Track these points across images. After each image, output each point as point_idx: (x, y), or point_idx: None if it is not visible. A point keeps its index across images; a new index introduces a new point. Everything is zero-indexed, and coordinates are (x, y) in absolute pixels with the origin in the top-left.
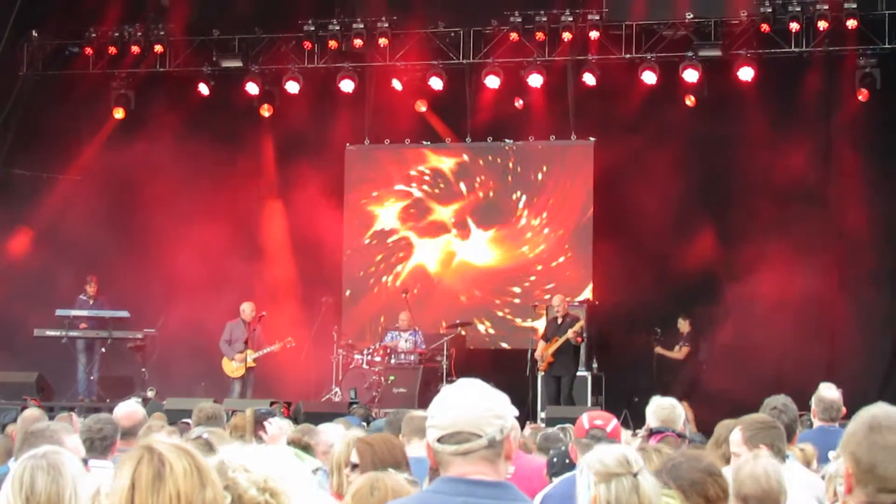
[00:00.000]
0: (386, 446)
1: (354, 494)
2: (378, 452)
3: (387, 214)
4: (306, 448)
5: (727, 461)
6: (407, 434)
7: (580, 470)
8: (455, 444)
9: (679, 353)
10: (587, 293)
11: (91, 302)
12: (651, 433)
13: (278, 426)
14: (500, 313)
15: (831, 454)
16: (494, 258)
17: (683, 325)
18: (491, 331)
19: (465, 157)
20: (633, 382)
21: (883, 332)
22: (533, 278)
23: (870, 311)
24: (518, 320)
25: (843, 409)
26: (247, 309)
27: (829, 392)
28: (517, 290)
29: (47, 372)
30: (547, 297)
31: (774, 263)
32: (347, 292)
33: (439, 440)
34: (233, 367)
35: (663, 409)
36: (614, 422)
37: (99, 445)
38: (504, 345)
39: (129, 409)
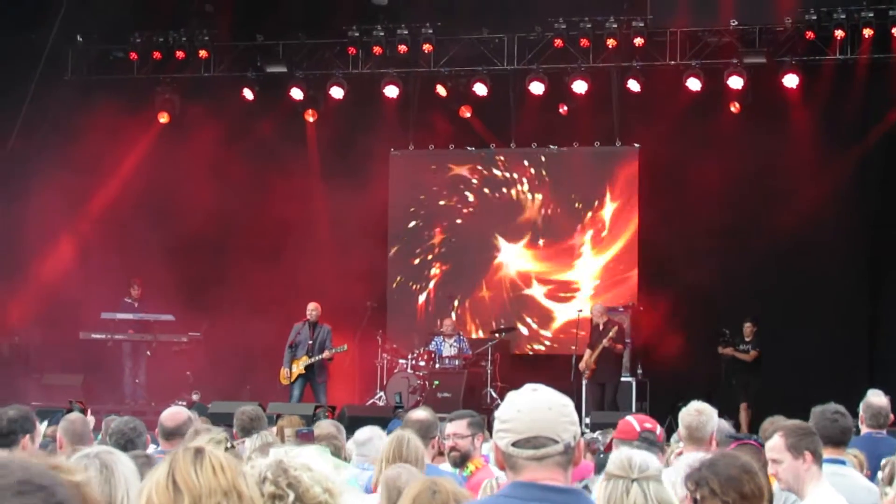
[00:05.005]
0: None
1: (415, 499)
2: None
3: (431, 220)
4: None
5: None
6: None
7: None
8: (532, 448)
9: (748, 355)
10: (632, 298)
11: (136, 305)
12: (734, 440)
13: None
14: (545, 317)
15: (884, 461)
16: (538, 263)
17: (748, 328)
18: (536, 336)
19: (510, 163)
20: (678, 388)
21: None
22: (577, 284)
23: None
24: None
25: (892, 416)
26: (310, 308)
27: (877, 398)
28: (561, 295)
29: (95, 375)
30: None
31: (813, 261)
32: (392, 297)
33: (514, 444)
34: (283, 374)
35: (688, 414)
36: (660, 427)
37: (139, 442)
38: (546, 344)
39: (173, 411)
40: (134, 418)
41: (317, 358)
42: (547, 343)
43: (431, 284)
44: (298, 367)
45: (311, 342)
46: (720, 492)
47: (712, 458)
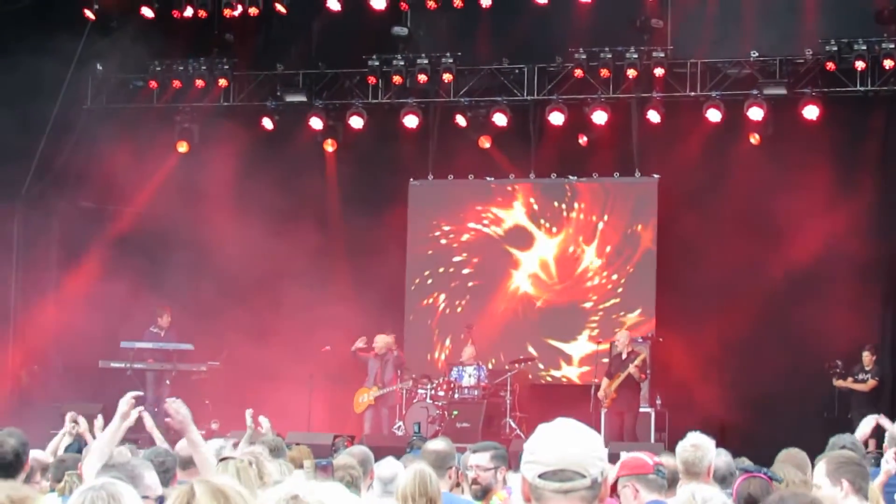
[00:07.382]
0: None
1: None
2: None
3: (450, 250)
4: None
5: None
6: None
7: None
8: (559, 481)
9: (865, 385)
10: (651, 329)
11: (162, 334)
12: (744, 472)
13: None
14: (563, 347)
15: None
16: (557, 294)
17: (867, 357)
18: (540, 365)
19: (529, 194)
20: (695, 419)
21: None
22: (595, 315)
23: None
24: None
25: None
26: (378, 341)
27: None
28: (579, 326)
29: (115, 404)
30: (616, 330)
31: (832, 293)
32: (410, 326)
33: (541, 476)
34: (357, 402)
35: (685, 449)
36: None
37: (162, 478)
38: (565, 373)
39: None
40: (168, 451)
41: (387, 390)
42: (565, 373)
43: (449, 314)
44: (369, 399)
45: (379, 370)
46: None
47: (780, 494)
